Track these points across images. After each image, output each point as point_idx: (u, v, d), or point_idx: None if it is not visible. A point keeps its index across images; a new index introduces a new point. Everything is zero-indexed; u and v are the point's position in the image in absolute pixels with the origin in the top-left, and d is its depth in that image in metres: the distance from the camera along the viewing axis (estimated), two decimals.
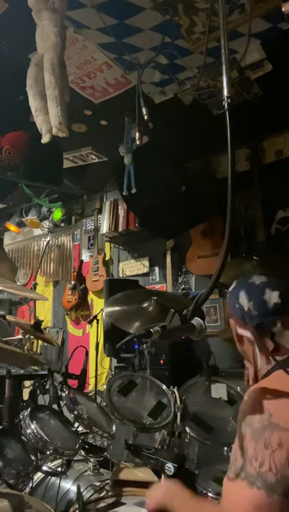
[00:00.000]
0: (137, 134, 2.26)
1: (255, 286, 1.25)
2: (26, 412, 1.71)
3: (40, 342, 4.20)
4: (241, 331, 1.24)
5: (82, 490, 1.72)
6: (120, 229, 4.04)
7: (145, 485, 1.60)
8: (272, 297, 1.21)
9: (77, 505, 1.37)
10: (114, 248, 4.45)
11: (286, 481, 0.91)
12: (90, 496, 1.66)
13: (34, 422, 1.68)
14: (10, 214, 5.18)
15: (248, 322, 1.20)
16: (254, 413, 1.00)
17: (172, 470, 1.56)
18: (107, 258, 4.45)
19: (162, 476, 1.49)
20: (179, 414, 1.99)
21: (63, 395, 1.94)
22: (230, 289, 1.30)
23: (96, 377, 3.39)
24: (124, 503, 1.50)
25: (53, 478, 1.81)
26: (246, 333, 1.23)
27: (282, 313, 1.19)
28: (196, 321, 1.19)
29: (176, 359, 3.06)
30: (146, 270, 4.11)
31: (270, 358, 1.17)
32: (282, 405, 0.99)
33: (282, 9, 1.85)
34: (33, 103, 1.76)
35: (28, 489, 1.63)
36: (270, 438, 0.95)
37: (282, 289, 1.22)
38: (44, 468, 1.66)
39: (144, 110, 2.17)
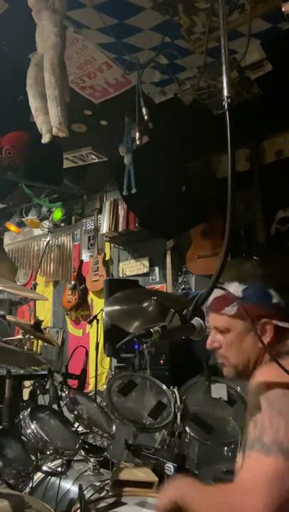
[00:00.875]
0: (137, 134, 2.26)
1: (277, 283, 1.23)
2: (26, 412, 1.71)
3: (40, 342, 4.21)
4: (281, 323, 1.17)
5: (83, 489, 1.72)
6: (120, 229, 4.04)
7: (145, 485, 1.60)
8: None
9: (78, 505, 1.37)
10: (114, 248, 4.45)
11: None
12: (90, 496, 1.66)
13: (34, 422, 1.67)
14: (10, 214, 5.18)
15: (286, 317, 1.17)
16: (269, 388, 1.00)
17: (172, 470, 1.56)
18: (107, 258, 4.45)
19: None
20: (179, 414, 1.99)
21: (63, 395, 1.94)
22: (243, 287, 1.22)
23: (96, 377, 3.39)
24: (124, 503, 1.50)
25: (53, 478, 1.81)
26: (286, 325, 1.17)
27: None
28: (196, 321, 1.19)
29: (176, 359, 3.06)
30: (146, 270, 4.11)
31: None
32: None
33: (282, 9, 1.85)
34: (33, 103, 1.76)
35: (28, 489, 1.63)
36: (286, 404, 0.94)
37: (282, 287, 1.23)
38: (44, 468, 1.66)
39: (144, 110, 2.17)
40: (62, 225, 4.92)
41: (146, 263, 4.12)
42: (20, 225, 5.06)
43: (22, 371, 3.00)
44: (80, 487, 1.43)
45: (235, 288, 1.23)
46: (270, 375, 1.05)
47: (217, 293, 1.24)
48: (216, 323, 1.27)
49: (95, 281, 4.41)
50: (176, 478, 1.23)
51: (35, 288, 4.19)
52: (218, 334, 1.27)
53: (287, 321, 1.17)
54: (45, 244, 4.93)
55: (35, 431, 1.64)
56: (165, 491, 1.21)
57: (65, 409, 1.91)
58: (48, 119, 1.70)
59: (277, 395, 0.98)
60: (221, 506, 0.97)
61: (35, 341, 3.99)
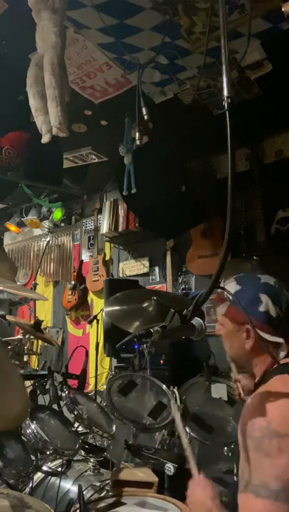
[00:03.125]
0: (137, 134, 2.26)
1: (273, 288, 1.20)
2: None
3: (40, 342, 4.20)
4: (268, 337, 1.15)
5: (82, 490, 1.72)
6: (120, 229, 4.04)
7: (145, 485, 1.60)
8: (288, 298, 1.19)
9: (78, 505, 1.37)
10: (114, 248, 4.45)
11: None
12: (90, 496, 1.66)
13: (34, 422, 1.68)
14: (10, 214, 5.18)
15: (277, 329, 1.15)
16: (253, 423, 0.99)
17: (172, 470, 1.56)
18: (107, 258, 4.45)
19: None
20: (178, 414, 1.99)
21: (63, 395, 1.94)
22: (237, 289, 1.22)
23: (96, 377, 3.39)
24: (124, 503, 1.50)
25: (53, 478, 1.81)
26: (275, 339, 1.15)
27: None
28: (196, 321, 1.19)
29: (176, 359, 3.06)
30: (146, 270, 4.11)
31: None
32: (282, 411, 0.98)
33: (282, 9, 1.85)
34: (33, 103, 1.76)
35: (28, 489, 1.63)
36: (269, 445, 0.94)
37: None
38: (44, 468, 1.66)
39: (144, 110, 2.17)
40: (62, 225, 4.92)
41: (146, 263, 4.12)
42: (20, 225, 5.05)
43: (22, 371, 2.99)
44: (80, 487, 1.43)
45: (230, 287, 1.24)
46: (257, 405, 1.03)
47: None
48: (217, 315, 1.31)
49: (95, 281, 4.41)
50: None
51: (35, 288, 4.19)
52: (220, 324, 1.30)
53: (274, 331, 1.15)
54: (45, 244, 4.93)
55: (35, 431, 1.64)
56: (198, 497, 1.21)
57: (65, 409, 1.91)
58: (48, 119, 1.70)
59: (262, 432, 0.97)
60: None
61: (35, 341, 3.99)
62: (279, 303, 1.17)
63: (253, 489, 0.94)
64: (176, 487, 1.58)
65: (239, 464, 1.03)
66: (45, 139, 1.75)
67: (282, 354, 1.16)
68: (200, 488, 1.23)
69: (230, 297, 1.21)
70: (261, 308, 1.16)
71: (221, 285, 1.25)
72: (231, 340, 1.25)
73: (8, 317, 3.26)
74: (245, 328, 1.19)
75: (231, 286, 1.24)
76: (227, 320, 1.25)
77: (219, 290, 1.25)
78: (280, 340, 1.15)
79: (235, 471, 1.30)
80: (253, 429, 0.99)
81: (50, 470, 1.69)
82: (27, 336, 3.14)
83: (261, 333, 1.15)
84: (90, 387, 3.42)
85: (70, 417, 1.87)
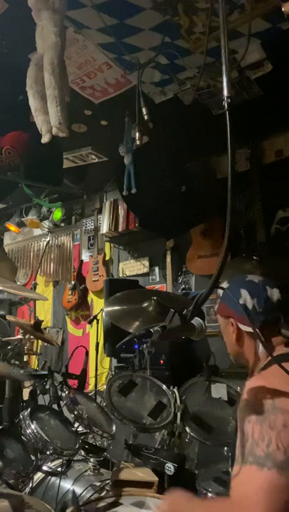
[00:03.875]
0: (137, 134, 2.26)
1: (255, 284, 1.28)
2: (26, 412, 1.71)
3: (40, 342, 4.20)
4: (244, 328, 1.25)
5: (82, 490, 1.72)
6: (120, 229, 4.04)
7: (145, 485, 1.60)
8: (274, 294, 1.26)
9: (72, 508, 1.36)
10: (114, 248, 4.45)
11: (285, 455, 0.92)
12: (90, 496, 1.66)
13: (34, 422, 1.68)
14: (10, 214, 5.18)
15: (253, 319, 1.21)
16: (258, 400, 1.02)
17: (172, 470, 1.56)
18: (107, 258, 4.45)
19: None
20: (179, 414, 1.99)
21: (63, 395, 1.94)
22: (225, 287, 1.31)
23: (96, 377, 3.39)
24: (124, 503, 1.50)
25: (53, 478, 1.81)
26: (247, 328, 1.24)
27: (283, 309, 1.24)
28: (196, 321, 1.19)
29: (176, 359, 3.06)
30: (146, 270, 4.11)
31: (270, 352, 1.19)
32: (284, 392, 1.01)
33: (282, 9, 1.85)
34: (33, 103, 1.76)
35: (28, 489, 1.63)
36: (274, 420, 0.97)
37: (281, 286, 1.25)
38: (44, 468, 1.66)
39: (144, 110, 2.17)
40: (62, 225, 4.92)
41: (146, 263, 4.12)
42: (20, 225, 5.05)
43: (22, 371, 2.99)
44: (74, 492, 1.43)
45: (223, 286, 1.32)
46: (260, 385, 1.06)
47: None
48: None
49: (95, 281, 4.41)
50: (171, 492, 1.23)
51: (35, 288, 4.19)
52: None
53: (250, 322, 1.21)
54: (45, 244, 4.93)
55: (35, 431, 1.64)
56: (160, 506, 1.23)
57: (65, 409, 1.91)
58: (47, 119, 1.70)
59: (266, 407, 1.00)
60: None
61: (35, 341, 3.99)
62: (257, 296, 1.25)
63: (257, 461, 0.94)
64: (176, 487, 1.58)
65: (237, 443, 1.03)
66: (45, 139, 1.75)
67: (260, 345, 1.22)
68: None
69: (221, 294, 1.33)
70: (240, 301, 1.25)
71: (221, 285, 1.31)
72: (225, 336, 1.35)
73: (8, 317, 3.25)
74: (230, 322, 1.29)
75: (223, 285, 1.33)
76: (219, 316, 1.37)
77: (219, 290, 1.32)
78: (250, 329, 1.22)
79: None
80: (257, 404, 1.01)
81: (50, 470, 1.69)
82: (27, 336, 3.14)
83: (239, 325, 1.26)
84: (90, 387, 3.42)
85: (70, 417, 1.87)
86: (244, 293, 1.25)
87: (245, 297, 1.24)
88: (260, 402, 1.01)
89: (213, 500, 1.09)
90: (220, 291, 1.32)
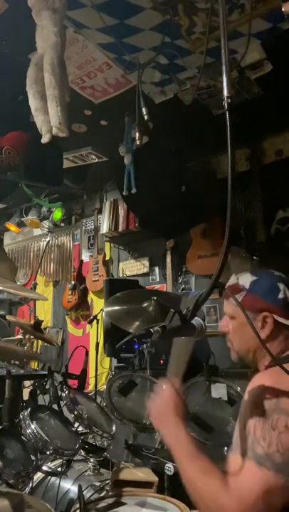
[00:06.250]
0: (137, 134, 2.26)
1: (285, 278, 1.25)
2: (26, 412, 1.71)
3: (40, 342, 4.21)
4: (284, 321, 1.19)
5: (82, 490, 1.72)
6: (120, 229, 4.04)
7: (145, 485, 1.60)
8: None
9: (78, 505, 1.37)
10: (114, 248, 4.45)
11: (285, 457, 0.93)
12: (90, 496, 1.66)
13: (34, 422, 1.68)
14: (10, 214, 5.18)
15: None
16: (263, 396, 1.01)
17: (172, 470, 1.56)
18: (107, 258, 4.45)
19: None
20: None
21: (63, 395, 1.94)
22: (252, 279, 1.25)
23: (96, 377, 3.39)
24: (124, 503, 1.50)
25: (53, 478, 1.82)
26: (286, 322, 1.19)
27: None
28: (196, 321, 1.19)
29: None
30: (146, 270, 4.11)
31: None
32: None
33: (282, 9, 1.85)
34: (33, 103, 1.76)
35: (28, 489, 1.63)
36: (277, 420, 0.96)
37: None
38: (44, 468, 1.66)
39: (144, 110, 2.17)
40: (62, 225, 4.92)
41: (146, 263, 4.11)
42: (20, 225, 5.05)
43: (22, 371, 3.00)
44: (80, 487, 1.43)
45: (246, 279, 1.26)
46: (268, 382, 1.06)
47: (230, 281, 1.28)
48: (226, 309, 1.31)
49: (95, 281, 4.41)
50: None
51: (35, 288, 4.19)
52: (229, 319, 1.31)
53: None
54: (45, 244, 4.93)
55: (35, 431, 1.64)
56: (161, 410, 1.22)
57: (65, 409, 1.91)
58: (47, 119, 1.70)
59: (270, 406, 0.99)
60: (210, 502, 1.00)
61: (35, 341, 3.99)
62: None
63: (256, 458, 0.95)
64: (176, 487, 1.58)
65: (235, 433, 1.04)
66: (45, 139, 1.75)
67: None
68: (164, 398, 1.25)
69: (247, 286, 1.24)
70: (280, 295, 1.20)
71: (235, 279, 1.28)
72: (243, 332, 1.25)
73: (8, 317, 3.26)
74: (262, 316, 1.20)
75: (246, 277, 1.26)
76: (240, 310, 1.23)
77: (231, 283, 1.27)
78: None
79: None
80: (262, 400, 1.01)
81: (50, 470, 1.69)
82: (27, 336, 3.15)
83: (279, 319, 1.18)
84: (90, 387, 3.42)
85: (70, 417, 1.87)
86: (283, 286, 1.21)
87: (285, 291, 1.20)
88: (265, 400, 1.01)
89: (212, 467, 1.05)
90: (245, 283, 1.25)
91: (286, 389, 1.01)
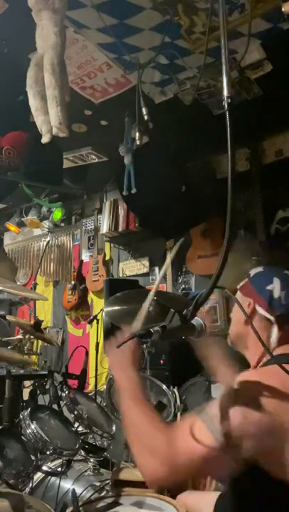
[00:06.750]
0: (137, 134, 2.26)
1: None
2: (26, 412, 1.71)
3: (40, 342, 4.20)
4: (261, 311, 1.23)
5: (82, 490, 1.72)
6: (120, 229, 4.04)
7: (145, 485, 1.60)
8: None
9: (72, 508, 1.37)
10: (114, 248, 4.45)
11: (232, 440, 0.94)
12: (90, 496, 1.66)
13: (34, 422, 1.68)
14: (10, 214, 5.18)
15: (274, 308, 1.21)
16: (248, 396, 1.01)
17: None
18: (107, 258, 4.45)
19: None
20: (179, 414, 1.99)
21: (63, 395, 1.94)
22: (258, 271, 1.31)
23: (96, 377, 3.39)
24: (124, 503, 1.50)
25: (53, 478, 1.81)
26: (267, 315, 1.22)
27: None
28: (196, 321, 1.19)
29: (176, 359, 3.06)
30: (146, 270, 4.11)
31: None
32: (275, 393, 1.00)
33: (283, 9, 1.85)
34: (33, 103, 1.76)
35: (28, 489, 1.63)
36: (251, 412, 0.97)
37: None
38: (44, 468, 1.66)
39: (144, 110, 2.17)
40: (62, 225, 4.92)
41: (146, 263, 4.11)
42: (20, 225, 5.05)
43: (22, 371, 3.00)
44: (74, 491, 1.43)
45: (254, 270, 1.33)
46: (255, 379, 1.05)
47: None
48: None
49: (95, 281, 4.41)
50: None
51: (35, 288, 4.19)
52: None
53: (271, 309, 1.21)
54: (45, 244, 4.93)
55: (35, 431, 1.64)
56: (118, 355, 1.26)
57: (65, 409, 1.91)
58: (48, 119, 1.70)
59: (254, 404, 0.99)
60: (145, 439, 1.04)
61: (35, 341, 3.99)
62: (287, 289, 1.23)
63: (209, 423, 0.98)
64: (176, 487, 1.58)
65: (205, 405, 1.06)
66: (45, 139, 1.75)
67: (274, 334, 1.20)
68: (121, 353, 1.28)
69: (251, 275, 1.31)
70: (268, 287, 1.23)
71: (250, 271, 1.33)
72: (236, 314, 1.33)
73: (8, 317, 3.26)
74: (248, 301, 1.26)
75: (256, 269, 1.33)
76: (239, 292, 1.34)
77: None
78: (270, 317, 1.20)
79: None
80: (245, 390, 1.02)
81: (50, 470, 1.69)
82: (27, 336, 3.15)
83: (257, 307, 1.24)
84: (90, 387, 3.42)
85: (70, 417, 1.87)
86: (276, 281, 1.24)
87: (276, 285, 1.23)
88: (251, 391, 1.01)
89: (155, 412, 1.12)
90: (252, 272, 1.31)
91: (274, 389, 1.01)
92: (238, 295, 1.34)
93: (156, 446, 1.00)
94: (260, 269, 1.32)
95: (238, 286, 1.35)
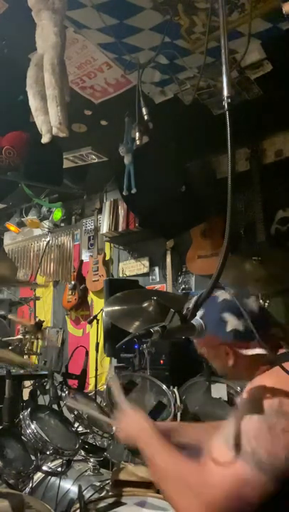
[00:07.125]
0: (137, 134, 2.26)
1: (231, 302, 1.20)
2: (26, 412, 1.71)
3: (40, 342, 4.20)
4: (245, 351, 1.16)
5: (82, 490, 1.72)
6: (120, 229, 4.04)
7: (145, 485, 1.60)
8: (253, 302, 1.21)
9: (78, 505, 1.37)
10: (114, 248, 4.45)
11: (277, 468, 0.92)
12: (90, 496, 1.66)
13: (34, 422, 1.68)
14: (10, 214, 5.18)
15: (250, 338, 1.15)
16: (264, 396, 1.00)
17: None
18: (107, 258, 4.45)
19: None
20: (179, 415, 1.99)
21: (63, 395, 1.94)
22: (201, 313, 1.21)
23: (96, 377, 3.39)
24: (124, 503, 1.50)
25: (53, 478, 1.82)
26: (253, 351, 1.16)
27: (266, 311, 1.23)
28: (196, 321, 1.19)
29: (176, 359, 3.06)
30: (146, 270, 4.11)
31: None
32: None
33: (283, 9, 1.85)
34: (33, 103, 1.76)
35: (28, 489, 1.63)
36: (276, 422, 0.96)
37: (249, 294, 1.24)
38: (44, 468, 1.66)
39: (144, 110, 2.17)
40: (62, 225, 4.92)
41: (146, 263, 4.11)
42: (20, 225, 5.05)
43: (22, 371, 3.00)
44: (80, 487, 1.43)
45: (195, 321, 1.21)
46: (269, 382, 1.05)
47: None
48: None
49: (95, 281, 4.41)
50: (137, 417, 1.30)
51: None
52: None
53: (249, 343, 1.16)
54: (45, 244, 4.93)
55: (35, 431, 1.64)
56: (126, 425, 1.30)
57: (65, 409, 1.91)
58: (48, 119, 1.70)
59: (270, 407, 0.98)
60: (180, 481, 1.01)
61: (35, 341, 3.99)
62: (242, 315, 1.16)
63: (242, 455, 0.95)
64: None
65: (228, 426, 1.02)
66: (45, 139, 1.75)
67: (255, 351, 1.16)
68: (132, 417, 1.31)
69: (199, 328, 1.20)
70: (228, 328, 1.17)
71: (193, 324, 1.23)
72: (216, 362, 1.27)
73: (10, 316, 3.26)
74: (223, 350, 1.20)
75: (196, 320, 1.21)
76: (206, 348, 1.27)
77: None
78: (259, 351, 1.14)
79: None
80: (262, 400, 1.00)
81: (50, 470, 1.69)
82: (27, 336, 3.14)
83: (238, 350, 1.17)
84: (90, 387, 3.42)
85: (70, 417, 1.87)
86: (228, 316, 1.18)
87: (232, 322, 1.17)
88: (265, 400, 1.00)
89: (180, 454, 1.08)
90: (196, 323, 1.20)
91: (287, 390, 1.00)
92: (207, 349, 1.26)
93: (192, 486, 0.98)
94: (202, 311, 1.20)
95: (199, 342, 1.27)
